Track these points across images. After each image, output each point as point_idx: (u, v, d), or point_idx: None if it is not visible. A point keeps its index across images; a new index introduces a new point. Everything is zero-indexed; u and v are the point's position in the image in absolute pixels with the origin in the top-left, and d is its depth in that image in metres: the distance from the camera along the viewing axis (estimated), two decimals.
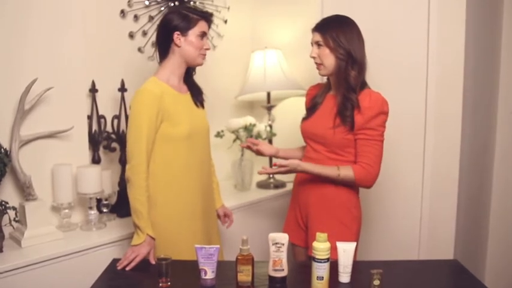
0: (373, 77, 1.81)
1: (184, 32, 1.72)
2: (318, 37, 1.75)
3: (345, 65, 1.71)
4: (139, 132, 1.63)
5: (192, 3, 2.64)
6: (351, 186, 1.78)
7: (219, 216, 2.04)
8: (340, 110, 1.72)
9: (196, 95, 1.87)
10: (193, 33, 1.72)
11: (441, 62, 2.25)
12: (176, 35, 1.72)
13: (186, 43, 1.73)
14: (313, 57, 1.78)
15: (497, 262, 2.41)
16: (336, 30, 1.72)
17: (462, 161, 2.32)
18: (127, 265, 1.58)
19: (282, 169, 1.74)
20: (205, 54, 1.79)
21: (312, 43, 1.79)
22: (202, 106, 1.90)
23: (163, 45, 1.77)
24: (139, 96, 1.67)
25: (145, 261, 1.60)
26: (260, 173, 1.78)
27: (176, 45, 1.73)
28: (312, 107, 1.88)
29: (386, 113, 1.71)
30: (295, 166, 1.73)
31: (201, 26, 1.74)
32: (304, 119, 1.91)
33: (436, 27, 2.24)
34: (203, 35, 1.75)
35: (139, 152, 1.63)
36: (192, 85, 1.87)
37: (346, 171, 1.70)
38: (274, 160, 1.99)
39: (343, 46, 1.71)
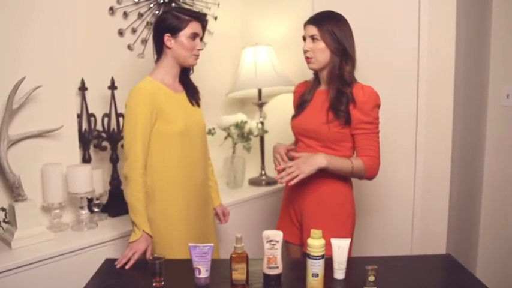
0: (364, 74, 1.81)
1: (174, 33, 1.71)
2: (313, 30, 1.73)
3: (339, 60, 1.71)
4: (134, 130, 1.65)
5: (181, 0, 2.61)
6: (346, 181, 1.78)
7: (217, 215, 2.03)
8: (333, 104, 1.71)
9: (192, 94, 1.87)
10: (184, 35, 1.72)
11: (432, 59, 2.25)
12: (167, 37, 1.71)
13: (176, 45, 1.72)
14: (306, 51, 1.76)
15: (488, 256, 2.43)
16: (332, 25, 1.71)
17: (454, 157, 2.33)
18: (126, 263, 1.56)
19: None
20: (197, 55, 1.79)
21: (304, 37, 1.78)
22: (198, 105, 1.89)
23: (158, 46, 1.78)
24: (133, 94, 1.68)
25: (139, 261, 1.58)
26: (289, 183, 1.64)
27: (167, 47, 1.73)
28: (301, 104, 1.86)
29: (379, 106, 1.73)
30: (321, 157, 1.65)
31: (193, 26, 1.73)
32: (294, 117, 1.89)
33: (427, 24, 2.24)
34: (195, 36, 1.74)
35: (134, 149, 1.65)
36: (188, 84, 1.87)
37: (358, 163, 1.70)
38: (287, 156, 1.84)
39: (338, 41, 1.70)
